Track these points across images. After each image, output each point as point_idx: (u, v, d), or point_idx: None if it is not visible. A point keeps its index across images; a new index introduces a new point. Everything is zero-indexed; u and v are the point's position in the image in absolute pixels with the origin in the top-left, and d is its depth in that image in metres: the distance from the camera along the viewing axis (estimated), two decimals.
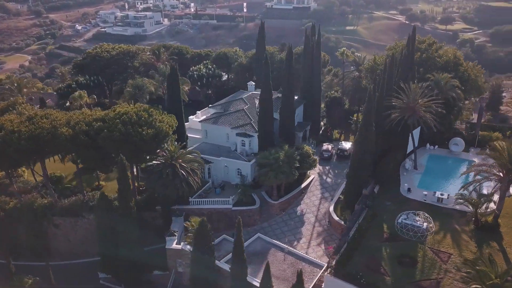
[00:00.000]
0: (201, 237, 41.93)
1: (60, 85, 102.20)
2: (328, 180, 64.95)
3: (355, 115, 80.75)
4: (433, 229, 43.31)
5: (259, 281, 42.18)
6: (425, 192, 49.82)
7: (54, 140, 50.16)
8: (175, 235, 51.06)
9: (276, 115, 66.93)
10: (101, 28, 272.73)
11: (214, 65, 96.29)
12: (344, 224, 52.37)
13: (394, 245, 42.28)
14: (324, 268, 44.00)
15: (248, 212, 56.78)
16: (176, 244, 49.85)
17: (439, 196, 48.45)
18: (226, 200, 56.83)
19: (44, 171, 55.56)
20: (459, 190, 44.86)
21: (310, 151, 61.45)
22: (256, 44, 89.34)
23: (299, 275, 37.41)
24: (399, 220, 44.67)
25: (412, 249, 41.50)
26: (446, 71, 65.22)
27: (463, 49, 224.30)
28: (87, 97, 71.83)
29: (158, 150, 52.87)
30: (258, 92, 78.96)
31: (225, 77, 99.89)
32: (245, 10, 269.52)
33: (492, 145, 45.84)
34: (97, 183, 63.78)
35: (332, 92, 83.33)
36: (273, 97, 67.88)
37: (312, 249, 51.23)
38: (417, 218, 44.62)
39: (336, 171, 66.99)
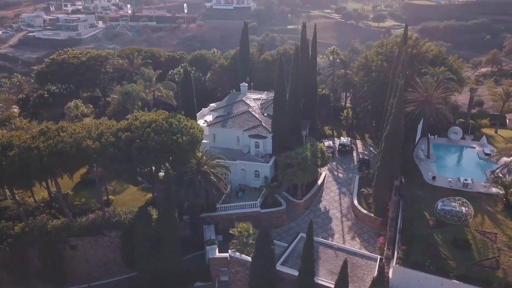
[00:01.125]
0: (264, 242, 41.22)
1: (21, 95, 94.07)
2: (340, 175, 66.76)
3: (345, 111, 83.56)
4: (472, 213, 46.32)
5: (323, 280, 42.65)
6: (450, 179, 53.15)
7: (80, 154, 46.34)
8: (216, 244, 49.67)
9: None
10: (28, 33, 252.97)
11: (193, 68, 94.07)
12: (373, 216, 54.43)
13: (443, 231, 44.66)
14: (378, 259, 45.34)
15: (277, 213, 56.69)
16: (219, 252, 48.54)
17: (464, 181, 51.89)
18: (253, 203, 56.24)
19: (58, 188, 51.13)
20: (490, 174, 48.41)
21: (324, 148, 62.87)
22: (239, 44, 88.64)
23: (344, 265, 37.27)
24: (439, 207, 47.26)
25: (461, 233, 44.16)
26: (435, 65, 69.64)
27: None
28: (83, 107, 66.94)
29: None
30: (253, 92, 79.11)
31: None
32: (185, 11, 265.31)
33: None
34: (105, 197, 59.71)
35: (319, 90, 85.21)
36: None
37: (349, 243, 52.46)
38: (453, 204, 47.49)
39: (344, 166, 69.10)
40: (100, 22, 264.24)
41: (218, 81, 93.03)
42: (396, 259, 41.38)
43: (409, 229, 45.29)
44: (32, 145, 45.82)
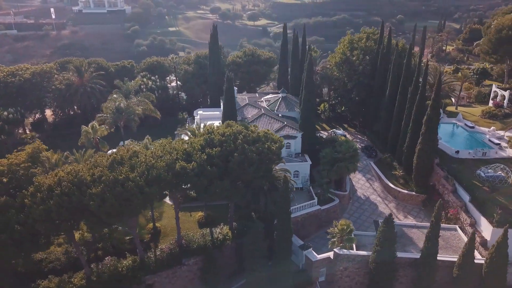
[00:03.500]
0: (388, 228, 43.25)
1: None
2: None
3: (321, 105, 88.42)
4: (511, 175, 55.25)
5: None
6: (469, 151, 61.88)
7: (174, 178, 41.51)
8: (311, 246, 49.56)
9: (296, 114, 69.44)
10: None
11: (156, 76, 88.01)
12: (415, 194, 60.48)
13: (502, 193, 52.42)
14: (458, 228, 51.18)
15: (333, 208, 58.57)
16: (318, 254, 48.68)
17: (482, 151, 61.19)
18: (313, 203, 57.08)
19: (134, 223, 44.60)
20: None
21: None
22: (209, 48, 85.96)
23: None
24: (484, 175, 55.21)
25: None
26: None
27: (279, 41, 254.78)
28: (103, 128, 57.87)
29: None
30: (248, 95, 78.37)
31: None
32: (53, 16, 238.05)
33: None
34: (151, 224, 53.39)
35: None
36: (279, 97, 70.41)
37: (422, 221, 57.18)
38: (489, 170, 56.02)
39: None
40: None
41: (187, 88, 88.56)
42: (494, 222, 47.33)
43: (478, 197, 51.93)
44: (119, 177, 39.46)
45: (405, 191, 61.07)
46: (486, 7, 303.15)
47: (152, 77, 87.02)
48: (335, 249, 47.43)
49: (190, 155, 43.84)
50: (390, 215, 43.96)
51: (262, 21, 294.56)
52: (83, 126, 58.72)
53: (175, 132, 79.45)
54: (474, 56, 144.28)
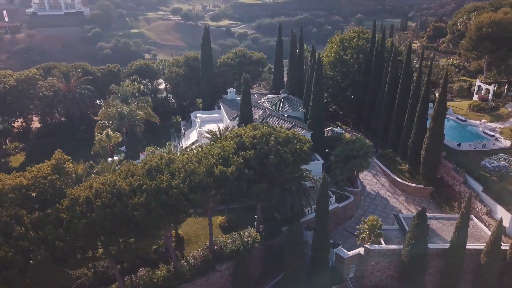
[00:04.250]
0: (422, 220, 44.65)
1: None
2: None
3: None
4: None
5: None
6: (470, 143, 64.97)
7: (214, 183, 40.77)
8: (341, 244, 50.22)
9: (300, 114, 70.16)
10: None
11: (147, 80, 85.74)
12: (423, 187, 62.75)
13: (509, 182, 55.51)
14: (474, 217, 53.55)
15: (349, 205, 59.60)
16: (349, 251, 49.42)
17: (482, 143, 64.45)
18: (331, 200, 57.71)
19: (168, 232, 43.32)
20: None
21: None
22: (201, 50, 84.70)
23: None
24: (488, 165, 58.23)
25: None
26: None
27: (244, 42, 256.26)
28: (117, 136, 55.45)
29: None
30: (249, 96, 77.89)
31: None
32: (6, 19, 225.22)
33: None
34: (174, 232, 52.01)
35: None
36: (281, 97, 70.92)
37: (433, 213, 59.08)
38: (493, 160, 59.15)
39: None
40: None
41: (180, 91, 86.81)
42: None
43: (489, 187, 54.63)
44: (161, 185, 38.27)
45: (414, 185, 63.20)
46: (437, 6, 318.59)
47: (143, 81, 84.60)
48: (366, 245, 48.32)
49: (226, 159, 43.15)
50: (424, 208, 45.44)
51: (225, 22, 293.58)
52: (97, 133, 56.46)
53: (178, 134, 78.13)
54: (439, 52, 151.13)
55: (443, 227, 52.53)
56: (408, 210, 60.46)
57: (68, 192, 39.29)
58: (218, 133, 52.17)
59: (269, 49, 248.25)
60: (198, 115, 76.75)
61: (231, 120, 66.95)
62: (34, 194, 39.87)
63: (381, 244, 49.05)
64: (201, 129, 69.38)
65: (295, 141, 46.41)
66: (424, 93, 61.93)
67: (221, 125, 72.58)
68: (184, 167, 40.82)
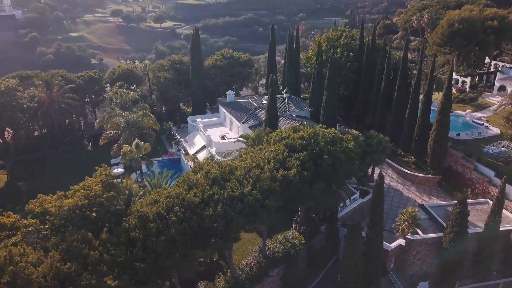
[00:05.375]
0: (464, 212, 47.25)
1: None
2: None
3: None
4: None
5: None
6: (467, 132, 69.56)
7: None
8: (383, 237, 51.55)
9: (306, 113, 71.01)
10: None
11: (135, 85, 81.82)
12: (432, 176, 66.31)
13: None
14: (489, 201, 57.47)
15: (370, 200, 61.31)
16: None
17: (478, 132, 69.34)
18: (356, 196, 59.14)
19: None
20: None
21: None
22: (190, 52, 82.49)
23: None
24: (491, 152, 62.87)
25: None
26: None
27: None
28: (147, 145, 51.95)
29: None
30: (245, 98, 77.07)
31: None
32: None
33: None
34: None
35: None
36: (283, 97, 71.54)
37: (444, 200, 62.52)
38: (493, 147, 64.01)
39: None
40: None
41: (170, 96, 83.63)
42: None
43: (501, 172, 58.85)
44: (234, 193, 37.07)
45: (422, 175, 66.46)
46: (371, 4, 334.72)
47: (131, 87, 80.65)
48: (407, 236, 50.12)
49: (282, 162, 42.63)
50: (465, 197, 48.05)
51: (169, 23, 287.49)
52: (125, 145, 52.71)
53: (175, 141, 75.68)
54: (393, 49, 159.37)
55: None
56: (422, 199, 63.52)
57: (134, 209, 36.79)
58: (253, 137, 51.24)
59: (218, 49, 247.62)
60: (198, 120, 74.69)
61: (243, 123, 66.07)
62: (94, 215, 36.73)
63: (418, 234, 51.13)
64: (209, 134, 67.69)
65: (340, 140, 46.94)
66: (427, 88, 65.33)
67: (224, 129, 71.80)
68: (249, 173, 39.87)
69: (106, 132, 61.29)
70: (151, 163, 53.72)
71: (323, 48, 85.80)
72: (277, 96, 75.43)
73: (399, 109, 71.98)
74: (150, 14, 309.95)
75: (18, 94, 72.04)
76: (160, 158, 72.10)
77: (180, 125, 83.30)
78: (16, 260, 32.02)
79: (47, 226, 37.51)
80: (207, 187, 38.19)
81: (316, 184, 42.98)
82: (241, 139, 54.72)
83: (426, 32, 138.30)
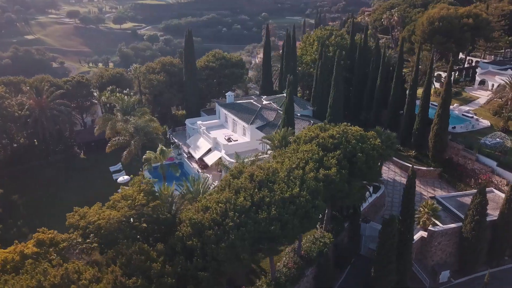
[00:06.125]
0: (483, 201, 49.49)
1: None
2: None
3: None
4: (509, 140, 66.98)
5: None
6: (461, 125, 72.79)
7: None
8: None
9: (309, 112, 71.70)
10: None
11: (127, 89, 79.18)
12: (433, 169, 68.89)
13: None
14: (494, 190, 60.55)
15: (383, 194, 62.91)
16: None
17: (471, 124, 72.80)
18: (370, 191, 60.26)
19: None
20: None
21: None
22: (184, 54, 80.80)
23: None
24: (488, 143, 66.21)
25: None
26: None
27: (156, 44, 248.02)
28: (171, 150, 50.10)
29: None
30: (244, 99, 76.46)
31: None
32: None
33: None
34: None
35: None
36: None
37: (448, 191, 64.99)
38: (489, 138, 67.49)
39: None
40: None
41: (164, 99, 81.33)
42: None
43: (502, 162, 62.03)
44: (285, 195, 36.90)
45: (424, 168, 68.84)
46: (330, 3, 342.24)
47: (124, 91, 77.96)
48: (430, 228, 51.80)
49: (320, 161, 42.81)
50: (485, 186, 50.30)
51: (129, 24, 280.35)
52: (148, 152, 50.69)
53: (174, 145, 74.08)
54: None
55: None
56: (426, 191, 65.82)
57: (184, 217, 35.70)
58: (279, 138, 51.02)
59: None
60: (199, 122, 73.29)
61: (251, 124, 65.64)
62: (144, 225, 35.25)
63: (437, 225, 52.99)
64: (215, 137, 66.74)
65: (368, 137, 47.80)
66: (426, 84, 67.77)
67: (226, 131, 71.10)
68: (292, 174, 39.74)
69: (113, 139, 58.83)
70: (177, 169, 52.21)
71: (314, 48, 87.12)
72: (279, 96, 76.13)
73: (395, 105, 74.17)
74: (108, 15, 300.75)
75: (6, 102, 67.60)
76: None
77: (175, 129, 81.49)
78: (74, 278, 30.26)
79: (90, 239, 35.62)
80: (255, 190, 37.71)
81: (353, 182, 43.61)
82: (266, 140, 54.26)
83: (396, 30, 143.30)
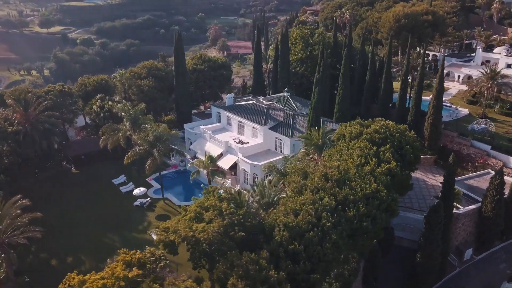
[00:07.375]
0: (501, 183, 54.27)
1: None
2: None
3: None
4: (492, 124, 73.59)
5: None
6: (446, 114, 78.54)
7: None
8: None
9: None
10: None
11: (117, 96, 74.87)
12: (430, 156, 73.78)
13: (500, 138, 70.28)
14: (492, 171, 66.25)
15: None
16: None
17: (455, 113, 78.98)
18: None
19: None
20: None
21: None
22: (174, 57, 77.99)
23: None
24: (476, 129, 72.49)
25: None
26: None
27: (93, 48, 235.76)
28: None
29: None
30: (244, 100, 75.66)
31: None
32: None
33: None
34: None
35: None
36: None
37: (441, 178, 69.62)
38: (475, 125, 73.89)
39: None
40: None
41: (156, 106, 77.75)
42: None
43: (495, 145, 68.06)
44: (367, 191, 37.92)
45: (421, 156, 73.38)
46: (263, 3, 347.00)
47: (115, 98, 73.67)
48: (454, 210, 55.64)
49: (376, 156, 44.33)
50: (501, 168, 55.02)
51: (57, 28, 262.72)
52: (196, 160, 48.30)
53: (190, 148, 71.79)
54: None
55: (482, 183, 63.59)
56: (428, 177, 70.32)
57: (278, 222, 35.22)
58: (317, 136, 51.62)
59: (121, 53, 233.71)
60: (202, 127, 71.27)
61: (264, 125, 65.52)
62: (242, 234, 34.20)
63: (459, 207, 57.09)
64: (227, 140, 65.60)
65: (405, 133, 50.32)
66: (419, 79, 72.20)
67: (231, 133, 70.45)
68: (361, 171, 40.80)
69: (132, 149, 55.44)
70: (224, 175, 50.37)
71: (299, 48, 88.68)
72: (279, 95, 76.59)
73: (385, 99, 78.19)
74: (31, 18, 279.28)
75: None
76: (165, 172, 67.50)
77: None
78: None
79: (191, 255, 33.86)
80: (336, 189, 38.24)
81: (405, 173, 45.78)
82: (303, 139, 54.49)
83: (347, 27, 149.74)
